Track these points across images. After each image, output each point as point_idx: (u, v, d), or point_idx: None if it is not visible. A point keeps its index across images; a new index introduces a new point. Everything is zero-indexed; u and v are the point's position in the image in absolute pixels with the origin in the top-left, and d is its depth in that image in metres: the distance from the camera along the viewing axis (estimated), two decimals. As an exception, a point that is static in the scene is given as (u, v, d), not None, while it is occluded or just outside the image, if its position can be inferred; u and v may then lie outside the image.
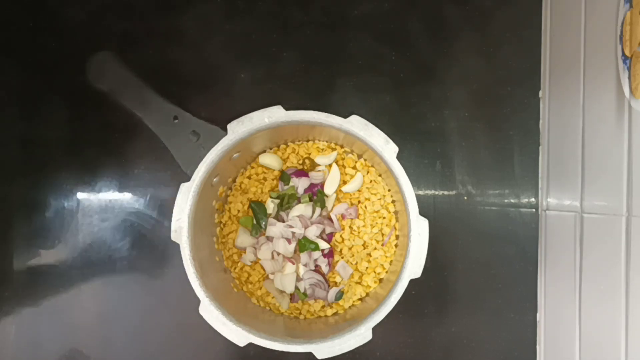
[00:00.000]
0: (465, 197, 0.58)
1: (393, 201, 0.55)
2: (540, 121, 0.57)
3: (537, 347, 0.57)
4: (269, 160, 0.55)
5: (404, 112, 0.58)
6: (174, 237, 0.47)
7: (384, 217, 0.55)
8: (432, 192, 0.58)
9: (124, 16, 0.58)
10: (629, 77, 0.40)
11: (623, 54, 0.40)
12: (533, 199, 0.57)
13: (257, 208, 0.54)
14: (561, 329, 0.52)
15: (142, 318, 0.58)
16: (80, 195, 0.58)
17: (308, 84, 0.58)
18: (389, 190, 0.55)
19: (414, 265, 0.46)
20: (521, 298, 0.57)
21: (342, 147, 0.56)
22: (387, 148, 0.47)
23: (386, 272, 0.54)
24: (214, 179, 0.50)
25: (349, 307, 0.54)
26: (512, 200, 0.57)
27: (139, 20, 0.58)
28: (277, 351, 0.46)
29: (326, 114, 0.47)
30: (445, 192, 0.58)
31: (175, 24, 0.58)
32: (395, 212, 0.54)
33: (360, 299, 0.54)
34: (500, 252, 0.57)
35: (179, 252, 0.47)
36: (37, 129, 0.58)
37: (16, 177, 0.58)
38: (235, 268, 0.55)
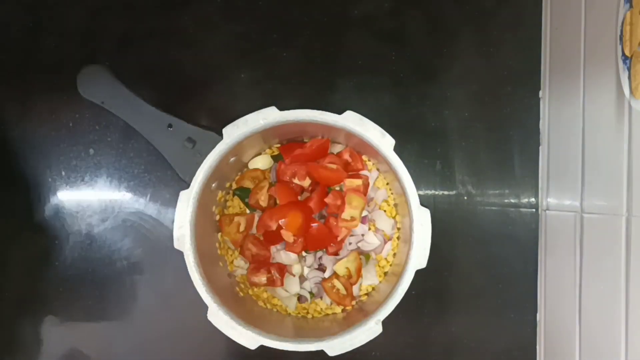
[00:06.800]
0: (465, 197, 0.58)
1: (392, 194, 0.55)
2: (540, 121, 0.57)
3: (537, 347, 0.57)
4: (260, 163, 0.55)
5: (404, 112, 0.58)
6: (176, 245, 0.46)
7: (385, 210, 0.55)
8: (432, 192, 0.58)
9: (121, 17, 0.58)
10: (629, 77, 0.40)
11: (623, 54, 0.40)
12: (533, 199, 0.57)
13: (241, 193, 0.54)
14: (561, 329, 0.52)
15: (144, 321, 0.58)
16: (80, 195, 0.58)
17: (308, 84, 0.58)
18: (387, 184, 0.55)
19: (419, 256, 0.46)
20: (521, 298, 0.57)
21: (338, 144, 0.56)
22: (383, 141, 0.47)
23: (390, 265, 0.54)
24: (213, 185, 0.50)
25: (356, 302, 0.54)
26: (512, 200, 0.57)
27: (137, 20, 0.58)
28: (280, 351, 0.46)
29: (320, 112, 0.47)
30: (445, 192, 0.58)
31: (174, 24, 0.58)
32: (395, 205, 0.55)
33: (367, 294, 0.54)
34: (500, 252, 0.57)
35: (180, 253, 0.46)
36: (37, 129, 0.58)
37: (17, 177, 0.58)
38: (239, 272, 0.55)
